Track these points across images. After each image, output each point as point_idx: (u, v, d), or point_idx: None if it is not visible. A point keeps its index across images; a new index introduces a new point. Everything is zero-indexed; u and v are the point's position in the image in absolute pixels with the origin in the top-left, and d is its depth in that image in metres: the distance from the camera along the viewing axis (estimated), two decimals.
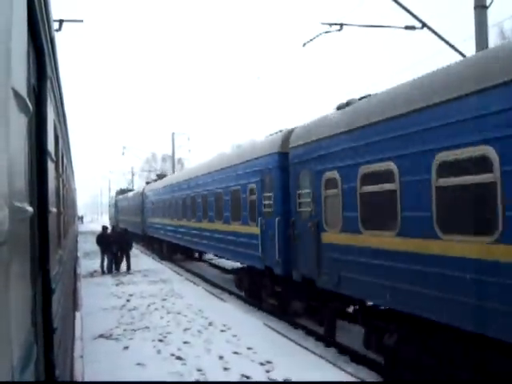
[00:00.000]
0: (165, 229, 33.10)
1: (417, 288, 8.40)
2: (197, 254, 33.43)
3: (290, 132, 14.54)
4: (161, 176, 48.90)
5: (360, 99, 11.34)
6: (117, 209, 67.97)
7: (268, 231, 15.12)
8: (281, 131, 15.80)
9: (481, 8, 21.72)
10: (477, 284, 7.06)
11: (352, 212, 10.49)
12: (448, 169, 7.78)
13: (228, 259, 21.57)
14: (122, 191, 71.59)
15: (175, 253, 33.70)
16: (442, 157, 7.83)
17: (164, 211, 33.24)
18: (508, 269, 6.51)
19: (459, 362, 8.06)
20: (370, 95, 11.08)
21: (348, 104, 11.63)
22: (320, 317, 13.61)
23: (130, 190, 64.87)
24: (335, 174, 11.28)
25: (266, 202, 15.44)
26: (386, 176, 9.23)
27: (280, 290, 15.39)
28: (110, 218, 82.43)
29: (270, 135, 16.81)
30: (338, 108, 12.04)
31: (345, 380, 9.43)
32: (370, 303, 10.76)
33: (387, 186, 9.23)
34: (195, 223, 24.50)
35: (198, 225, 24.06)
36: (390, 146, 9.23)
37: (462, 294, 7.39)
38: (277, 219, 14.44)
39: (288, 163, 13.93)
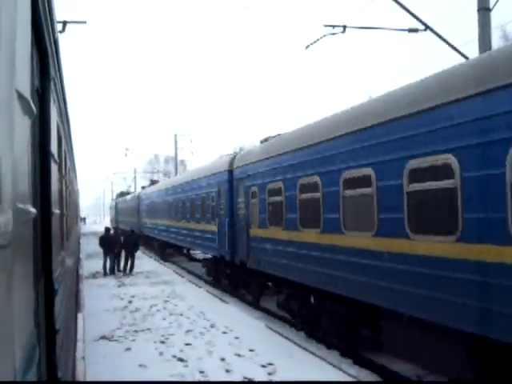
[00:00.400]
0: (155, 228, 37.92)
1: (290, 262, 13.39)
2: (198, 254, 33.73)
3: (235, 155, 19.76)
4: (153, 182, 55.46)
5: (274, 136, 16.31)
6: (117, 210, 72.40)
7: (221, 229, 19.72)
8: (233, 153, 21.65)
9: (484, 10, 21.70)
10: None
11: (263, 214, 15.49)
12: (350, 183, 10.59)
13: (198, 251, 27.30)
14: (122, 194, 75.51)
15: (165, 249, 36.67)
16: (347, 175, 10.65)
17: (153, 213, 38.56)
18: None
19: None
20: (279, 134, 15.98)
21: (266, 140, 16.84)
22: (250, 289, 18.56)
23: (129, 193, 69.21)
24: (255, 189, 16.17)
25: (221, 207, 20.06)
26: (279, 191, 14.15)
27: (229, 272, 20.55)
28: (111, 220, 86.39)
29: (226, 155, 21.83)
30: (261, 142, 17.36)
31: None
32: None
33: (278, 198, 14.14)
34: (176, 223, 29.57)
35: (177, 224, 29.17)
36: (281, 172, 14.07)
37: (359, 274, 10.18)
38: (226, 220, 19.08)
39: (233, 178, 18.78)
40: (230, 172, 19.04)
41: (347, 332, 11.87)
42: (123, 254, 26.29)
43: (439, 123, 7.98)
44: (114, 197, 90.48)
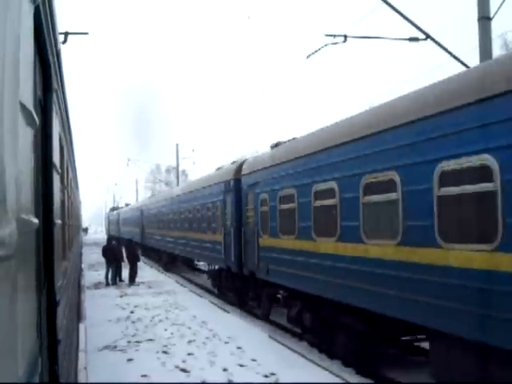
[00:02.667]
0: (159, 239, 37.29)
1: (306, 273, 12.74)
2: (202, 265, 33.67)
3: (242, 163, 19.17)
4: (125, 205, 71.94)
5: (285, 142, 15.85)
6: (108, 222, 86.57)
7: (227, 239, 19.47)
8: (235, 162, 21.23)
9: (484, 19, 21.75)
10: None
11: (274, 222, 15.06)
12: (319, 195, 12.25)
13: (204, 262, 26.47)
14: (113, 209, 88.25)
15: (169, 260, 35.75)
16: (317, 187, 12.37)
17: (156, 224, 38.07)
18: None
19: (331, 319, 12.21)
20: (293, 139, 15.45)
21: (277, 145, 16.27)
22: (260, 301, 17.49)
23: (118, 208, 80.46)
24: (266, 196, 15.76)
25: (227, 216, 19.89)
26: (291, 198, 13.77)
27: (236, 283, 19.64)
28: (106, 231, 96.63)
29: (232, 162, 21.68)
30: (271, 147, 16.70)
31: None
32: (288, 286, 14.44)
33: (292, 205, 13.75)
34: (182, 233, 28.98)
35: (183, 235, 28.66)
36: (293, 179, 13.74)
37: (339, 277, 11.12)
38: (232, 229, 18.80)
39: (241, 187, 18.46)
40: (237, 180, 18.90)
41: (365, 349, 11.40)
42: (125, 264, 26.30)
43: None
44: (108, 211, 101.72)
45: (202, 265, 32.25)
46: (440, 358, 8.55)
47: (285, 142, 15.75)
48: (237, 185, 18.83)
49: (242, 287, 19.01)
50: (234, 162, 21.16)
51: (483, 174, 7.05)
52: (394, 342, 11.45)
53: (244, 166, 18.46)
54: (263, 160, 16.62)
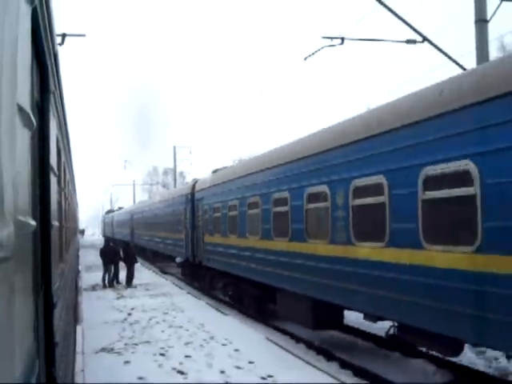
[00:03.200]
0: (145, 238, 44.17)
1: (230, 260, 19.02)
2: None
3: (196, 181, 26.27)
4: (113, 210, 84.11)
5: (222, 169, 23.06)
6: (104, 224, 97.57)
7: (187, 238, 26.64)
8: (195, 179, 28.36)
9: (481, 22, 21.80)
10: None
11: (211, 225, 21.90)
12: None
13: (172, 256, 32.98)
14: (108, 212, 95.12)
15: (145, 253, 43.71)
16: (230, 203, 19.39)
17: (142, 226, 45.75)
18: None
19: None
20: (225, 167, 23.84)
21: (215, 171, 23.18)
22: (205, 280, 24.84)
23: (113, 211, 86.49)
24: (207, 207, 22.68)
25: (187, 221, 26.73)
26: (219, 210, 20.49)
27: (193, 270, 26.73)
28: (102, 232, 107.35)
29: (193, 180, 29.26)
30: (212, 172, 23.59)
31: None
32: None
33: (219, 215, 20.52)
34: (158, 233, 36.16)
35: (159, 234, 35.75)
36: (219, 196, 20.81)
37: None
38: (189, 230, 25.95)
39: (194, 199, 25.50)
40: (192, 194, 25.89)
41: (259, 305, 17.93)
42: (123, 266, 26.27)
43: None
44: (104, 213, 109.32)
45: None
46: (282, 304, 15.14)
47: (221, 169, 22.92)
48: (192, 198, 25.85)
49: (196, 272, 26.39)
50: (194, 180, 28.50)
51: (464, 179, 7.59)
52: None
53: (196, 185, 25.70)
54: (205, 181, 23.79)
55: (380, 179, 9.64)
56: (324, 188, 11.82)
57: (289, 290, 13.92)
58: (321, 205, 12.19)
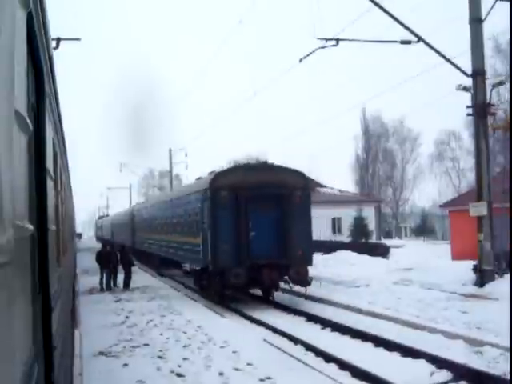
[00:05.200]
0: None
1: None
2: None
3: (133, 208, 51.29)
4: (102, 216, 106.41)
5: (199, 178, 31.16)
6: (96, 228, 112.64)
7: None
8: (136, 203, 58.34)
9: (476, 22, 21.83)
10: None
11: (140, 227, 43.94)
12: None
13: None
14: (101, 217, 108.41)
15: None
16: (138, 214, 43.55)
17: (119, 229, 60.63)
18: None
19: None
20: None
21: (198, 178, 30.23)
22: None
23: (107, 216, 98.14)
24: (137, 219, 47.07)
25: (136, 225, 45.61)
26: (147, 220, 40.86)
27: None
28: (94, 235, 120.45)
29: (136, 203, 48.78)
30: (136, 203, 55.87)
31: None
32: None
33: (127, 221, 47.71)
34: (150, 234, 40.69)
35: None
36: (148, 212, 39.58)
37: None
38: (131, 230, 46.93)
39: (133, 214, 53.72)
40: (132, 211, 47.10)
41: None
42: (120, 269, 26.25)
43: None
44: (97, 218, 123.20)
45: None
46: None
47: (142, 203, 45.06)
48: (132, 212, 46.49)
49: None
50: (137, 203, 48.98)
51: (195, 211, 23.34)
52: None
53: (134, 207, 47.85)
54: (138, 206, 47.56)
55: (179, 211, 26.75)
56: (169, 212, 30.18)
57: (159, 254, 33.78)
58: (172, 220, 29.03)
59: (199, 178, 25.04)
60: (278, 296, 21.33)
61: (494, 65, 55.71)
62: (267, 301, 21.13)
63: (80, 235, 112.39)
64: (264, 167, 21.97)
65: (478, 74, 21.82)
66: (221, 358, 11.85)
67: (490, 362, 11.74)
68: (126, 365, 11.48)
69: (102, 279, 25.71)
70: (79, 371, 9.81)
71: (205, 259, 21.15)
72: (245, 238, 19.94)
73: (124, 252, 27.12)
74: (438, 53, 22.33)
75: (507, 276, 20.26)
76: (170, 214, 29.70)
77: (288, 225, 20.30)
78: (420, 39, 22.09)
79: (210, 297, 22.01)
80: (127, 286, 25.71)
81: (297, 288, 21.20)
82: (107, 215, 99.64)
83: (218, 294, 21.23)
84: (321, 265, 35.06)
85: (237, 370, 10.91)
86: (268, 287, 20.72)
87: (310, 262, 20.96)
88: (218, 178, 21.02)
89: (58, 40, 16.78)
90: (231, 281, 19.53)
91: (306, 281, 20.31)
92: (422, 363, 11.78)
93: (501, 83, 26.87)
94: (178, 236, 27.03)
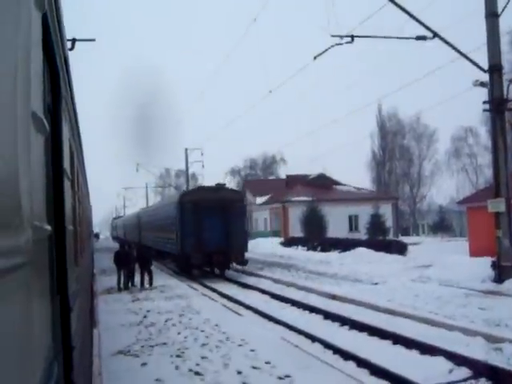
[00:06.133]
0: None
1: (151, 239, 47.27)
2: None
3: (116, 217, 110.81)
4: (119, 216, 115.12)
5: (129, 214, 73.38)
6: (113, 228, 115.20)
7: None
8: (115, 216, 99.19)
9: (492, 16, 21.63)
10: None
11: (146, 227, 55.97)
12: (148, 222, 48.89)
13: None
14: (115, 218, 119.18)
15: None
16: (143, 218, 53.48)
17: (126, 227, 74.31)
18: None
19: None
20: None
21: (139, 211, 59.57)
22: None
23: (121, 217, 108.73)
24: (120, 223, 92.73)
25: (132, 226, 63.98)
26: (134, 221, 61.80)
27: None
28: (110, 234, 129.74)
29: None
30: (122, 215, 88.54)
31: None
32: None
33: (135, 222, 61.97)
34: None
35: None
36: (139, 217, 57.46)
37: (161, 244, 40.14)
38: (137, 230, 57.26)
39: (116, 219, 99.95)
40: (138, 214, 59.56)
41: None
42: (137, 268, 26.38)
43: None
44: (113, 217, 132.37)
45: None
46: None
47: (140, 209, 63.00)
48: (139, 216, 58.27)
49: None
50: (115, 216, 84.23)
51: (171, 217, 34.13)
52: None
53: (140, 211, 60.17)
54: (127, 216, 78.74)
55: (164, 215, 37.64)
56: (159, 216, 40.38)
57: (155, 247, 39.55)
58: (161, 222, 38.64)
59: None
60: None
61: (511, 60, 55.23)
62: (224, 277, 31.43)
63: (97, 235, 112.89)
64: (214, 188, 33.72)
65: (495, 69, 21.65)
66: (239, 356, 11.87)
67: (509, 359, 11.64)
68: (144, 364, 11.52)
69: (119, 279, 25.83)
70: (98, 370, 9.87)
71: (177, 248, 32.05)
72: (201, 234, 30.40)
73: (140, 250, 27.27)
74: (454, 48, 22.18)
75: None
76: (160, 217, 39.74)
77: (229, 225, 30.79)
78: (435, 35, 21.95)
79: (186, 274, 32.23)
80: (149, 284, 25.92)
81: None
82: (121, 216, 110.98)
83: (186, 271, 32.56)
84: (337, 263, 35.01)
85: (255, 368, 10.92)
86: (216, 267, 32.08)
87: (245, 249, 32.18)
88: (184, 194, 34.11)
89: (74, 41, 16.86)
90: (193, 262, 30.65)
91: (242, 262, 31.62)
92: (440, 360, 11.71)
93: None
94: (164, 233, 36.84)
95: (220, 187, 34.24)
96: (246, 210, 35.15)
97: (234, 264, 32.14)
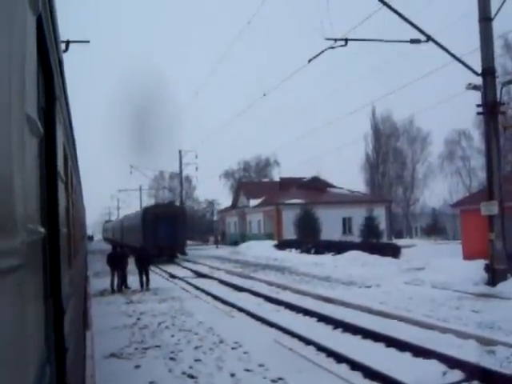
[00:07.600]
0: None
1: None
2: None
3: (108, 220, 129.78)
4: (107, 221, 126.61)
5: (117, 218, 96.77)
6: (105, 230, 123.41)
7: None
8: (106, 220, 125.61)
9: (486, 20, 21.73)
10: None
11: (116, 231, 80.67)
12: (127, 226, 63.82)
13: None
14: (107, 221, 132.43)
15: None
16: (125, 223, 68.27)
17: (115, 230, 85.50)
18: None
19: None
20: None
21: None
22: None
23: (111, 221, 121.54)
24: (110, 226, 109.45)
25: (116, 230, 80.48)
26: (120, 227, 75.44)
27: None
28: (103, 237, 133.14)
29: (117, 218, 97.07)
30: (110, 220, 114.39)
31: None
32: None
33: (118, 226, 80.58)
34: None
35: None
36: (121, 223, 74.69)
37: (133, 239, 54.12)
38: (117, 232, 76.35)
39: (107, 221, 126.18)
40: (122, 219, 74.94)
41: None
42: (130, 270, 26.36)
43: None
44: (105, 221, 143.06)
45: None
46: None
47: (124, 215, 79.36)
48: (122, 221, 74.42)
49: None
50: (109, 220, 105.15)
51: (137, 224, 52.33)
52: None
53: (124, 218, 76.25)
54: (115, 221, 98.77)
55: (136, 222, 53.58)
56: (133, 222, 57.10)
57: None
58: (134, 227, 53.74)
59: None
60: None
61: (504, 63, 55.47)
62: (173, 262, 46.68)
63: (91, 237, 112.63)
64: (166, 205, 57.93)
65: (488, 72, 21.73)
66: (232, 359, 11.86)
67: (502, 362, 11.67)
68: (137, 366, 11.51)
69: (112, 281, 25.79)
70: (91, 373, 9.84)
71: (141, 243, 41.07)
72: (156, 235, 45.46)
73: (140, 251, 27.29)
74: (448, 52, 22.25)
75: None
76: (133, 223, 55.26)
77: (175, 230, 46.86)
78: (429, 38, 22.02)
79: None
80: (147, 286, 25.96)
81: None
82: (111, 220, 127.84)
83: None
84: (330, 265, 35.03)
85: (248, 371, 10.92)
86: (166, 256, 46.09)
87: (185, 245, 50.17)
88: (147, 208, 53.62)
89: (68, 43, 16.83)
90: (151, 253, 34.08)
91: (183, 253, 48.61)
92: (433, 363, 11.72)
93: (511, 82, 26.79)
94: (135, 233, 50.66)
95: (170, 204, 59.67)
96: (187, 219, 54.31)
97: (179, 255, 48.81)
